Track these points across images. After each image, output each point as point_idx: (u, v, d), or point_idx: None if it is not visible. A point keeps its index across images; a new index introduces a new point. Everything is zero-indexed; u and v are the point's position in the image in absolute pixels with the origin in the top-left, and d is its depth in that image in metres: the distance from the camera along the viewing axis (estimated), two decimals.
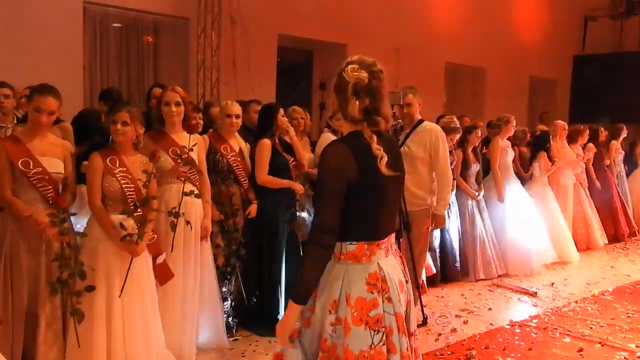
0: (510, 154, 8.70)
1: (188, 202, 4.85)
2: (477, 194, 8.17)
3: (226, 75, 10.05)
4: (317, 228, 2.56)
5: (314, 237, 2.57)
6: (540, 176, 9.24)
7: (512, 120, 8.61)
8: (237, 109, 5.72)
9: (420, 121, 6.12)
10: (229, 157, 5.59)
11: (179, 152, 4.93)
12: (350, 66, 2.64)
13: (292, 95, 12.08)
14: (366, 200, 2.59)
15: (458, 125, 7.67)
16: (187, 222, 4.78)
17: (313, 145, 7.23)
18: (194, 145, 5.00)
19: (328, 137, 6.79)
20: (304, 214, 6.29)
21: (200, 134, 5.61)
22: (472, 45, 14.31)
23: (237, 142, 5.76)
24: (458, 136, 7.77)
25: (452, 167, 7.05)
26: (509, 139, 8.76)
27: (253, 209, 5.65)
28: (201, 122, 6.19)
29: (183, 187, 4.81)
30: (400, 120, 6.09)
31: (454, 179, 7.35)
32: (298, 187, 5.86)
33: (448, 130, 7.26)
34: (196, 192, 4.89)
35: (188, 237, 4.90)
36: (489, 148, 8.74)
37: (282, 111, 5.89)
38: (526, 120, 15.48)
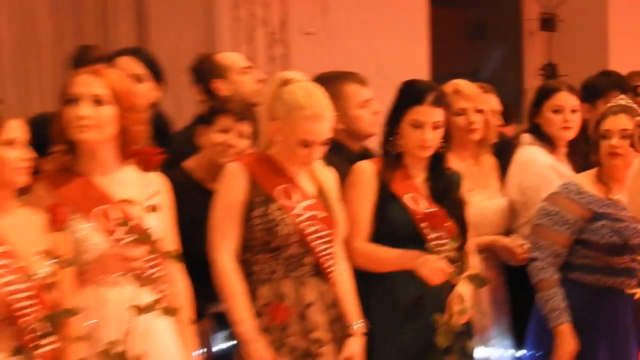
0: None
1: (145, 329, 2.37)
2: None
3: None
4: None
5: None
6: None
7: None
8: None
9: None
10: (300, 208, 2.67)
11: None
12: None
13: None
14: None
15: None
16: None
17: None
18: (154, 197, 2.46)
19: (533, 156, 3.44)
20: None
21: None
22: None
23: (313, 173, 2.81)
24: None
25: None
26: None
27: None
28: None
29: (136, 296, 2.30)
30: None
31: None
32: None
33: None
34: (164, 304, 2.39)
35: None
36: None
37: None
38: None
